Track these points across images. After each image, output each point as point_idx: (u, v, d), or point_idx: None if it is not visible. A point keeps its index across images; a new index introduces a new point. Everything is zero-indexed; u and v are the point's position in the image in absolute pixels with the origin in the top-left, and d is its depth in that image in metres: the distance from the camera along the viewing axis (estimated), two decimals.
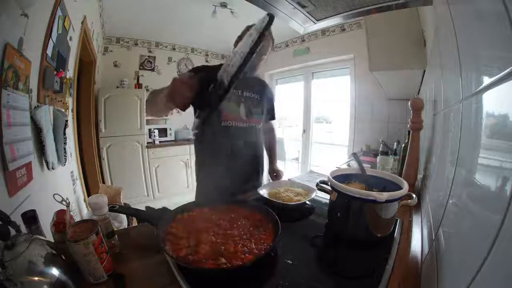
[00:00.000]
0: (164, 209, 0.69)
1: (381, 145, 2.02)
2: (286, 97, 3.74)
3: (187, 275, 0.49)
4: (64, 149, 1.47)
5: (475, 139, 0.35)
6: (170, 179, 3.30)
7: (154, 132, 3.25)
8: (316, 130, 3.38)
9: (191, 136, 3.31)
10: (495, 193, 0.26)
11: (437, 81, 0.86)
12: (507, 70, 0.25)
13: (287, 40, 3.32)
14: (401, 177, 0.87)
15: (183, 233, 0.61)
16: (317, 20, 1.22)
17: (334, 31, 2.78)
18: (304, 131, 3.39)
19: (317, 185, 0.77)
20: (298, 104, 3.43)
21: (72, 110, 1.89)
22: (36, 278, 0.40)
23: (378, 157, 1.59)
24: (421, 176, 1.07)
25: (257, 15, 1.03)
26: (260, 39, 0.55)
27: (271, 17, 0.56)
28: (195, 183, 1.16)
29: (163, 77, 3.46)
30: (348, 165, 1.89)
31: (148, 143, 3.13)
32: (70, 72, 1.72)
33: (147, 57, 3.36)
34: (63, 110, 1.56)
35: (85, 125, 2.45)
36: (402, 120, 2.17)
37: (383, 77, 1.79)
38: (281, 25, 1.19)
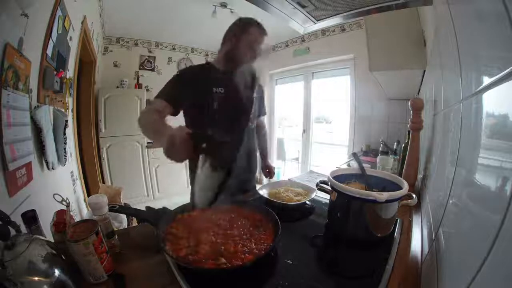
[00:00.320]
0: (164, 209, 0.69)
1: (381, 145, 2.03)
2: (286, 97, 3.74)
3: (187, 275, 0.49)
4: (64, 149, 1.47)
5: (475, 139, 0.35)
6: (170, 179, 3.30)
7: None
8: (316, 130, 3.38)
9: None
10: (495, 193, 0.26)
11: (437, 81, 0.86)
12: (507, 70, 0.25)
13: (287, 40, 3.32)
14: (401, 177, 0.87)
15: (183, 233, 0.61)
16: (317, 20, 1.22)
17: (334, 31, 2.78)
18: (304, 131, 3.39)
19: (317, 185, 0.77)
20: (298, 104, 3.43)
21: (72, 110, 1.89)
22: (36, 278, 0.40)
23: (378, 157, 1.59)
24: (421, 176, 1.07)
25: (257, 14, 1.03)
26: None
27: None
28: None
29: (163, 77, 3.46)
30: (348, 165, 1.89)
31: (148, 143, 3.13)
32: (70, 72, 1.72)
33: (147, 57, 3.37)
34: (63, 110, 1.56)
35: (85, 125, 2.45)
36: (402, 120, 2.17)
37: (383, 77, 1.79)
38: (281, 25, 1.19)
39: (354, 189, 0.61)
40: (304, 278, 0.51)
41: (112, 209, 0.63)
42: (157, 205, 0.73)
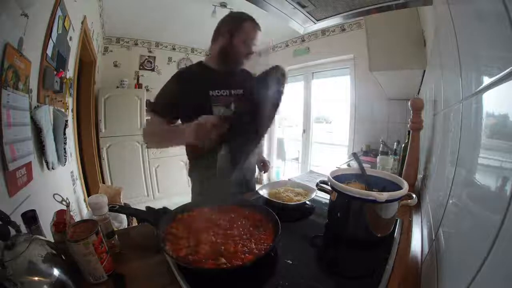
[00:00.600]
0: (164, 209, 0.69)
1: (381, 145, 2.02)
2: (286, 97, 3.73)
3: (187, 275, 0.49)
4: (64, 149, 1.47)
5: (475, 139, 0.35)
6: (170, 179, 3.29)
7: None
8: (316, 130, 3.38)
9: None
10: (495, 193, 0.26)
11: (437, 81, 0.86)
12: (507, 70, 0.25)
13: (287, 40, 3.32)
14: (401, 177, 0.87)
15: (183, 233, 0.61)
16: (317, 20, 1.22)
17: (334, 31, 2.78)
18: (304, 131, 3.39)
19: (317, 185, 0.77)
20: (298, 104, 3.43)
21: (72, 110, 1.90)
22: (36, 278, 0.40)
23: (378, 157, 1.59)
24: (421, 176, 1.07)
25: (257, 14, 1.03)
26: None
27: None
28: None
29: (163, 77, 3.46)
30: (348, 165, 1.89)
31: None
32: (70, 72, 1.72)
33: (147, 57, 3.36)
34: (63, 110, 1.56)
35: (85, 125, 2.45)
36: (402, 120, 2.17)
37: (383, 77, 1.79)
38: (281, 25, 1.19)
39: (354, 189, 0.61)
40: (304, 278, 0.51)
41: (112, 209, 0.63)
42: (157, 205, 0.73)
